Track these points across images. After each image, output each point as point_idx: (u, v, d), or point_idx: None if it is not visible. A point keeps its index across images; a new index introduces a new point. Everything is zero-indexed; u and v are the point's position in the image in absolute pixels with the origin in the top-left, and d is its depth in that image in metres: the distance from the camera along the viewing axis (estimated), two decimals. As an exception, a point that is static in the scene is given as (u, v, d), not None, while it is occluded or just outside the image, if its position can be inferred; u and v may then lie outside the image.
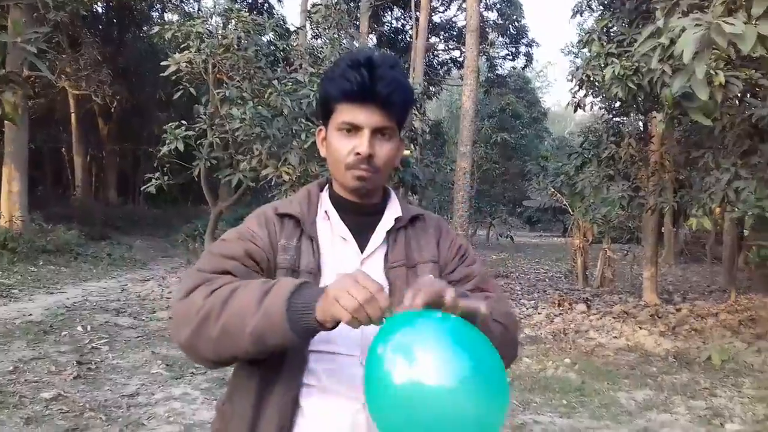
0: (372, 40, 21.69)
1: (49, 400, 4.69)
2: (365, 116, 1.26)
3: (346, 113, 1.27)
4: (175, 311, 1.19)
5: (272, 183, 7.31)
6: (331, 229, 1.35)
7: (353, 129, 1.28)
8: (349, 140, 1.28)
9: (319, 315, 1.05)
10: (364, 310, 1.01)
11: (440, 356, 0.94)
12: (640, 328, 8.00)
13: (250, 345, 1.11)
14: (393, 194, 1.45)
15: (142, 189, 8.53)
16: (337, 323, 1.06)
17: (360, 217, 1.36)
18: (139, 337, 6.96)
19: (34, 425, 4.22)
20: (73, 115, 20.47)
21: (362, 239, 1.34)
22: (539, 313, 9.07)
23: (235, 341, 1.12)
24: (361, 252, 1.33)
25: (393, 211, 1.40)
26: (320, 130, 1.39)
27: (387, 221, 1.37)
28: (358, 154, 1.27)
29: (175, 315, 1.19)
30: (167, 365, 5.80)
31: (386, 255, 1.34)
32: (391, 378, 0.94)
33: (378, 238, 1.35)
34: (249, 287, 1.13)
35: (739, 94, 6.94)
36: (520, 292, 11.59)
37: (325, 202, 1.39)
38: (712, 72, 4.91)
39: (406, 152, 6.91)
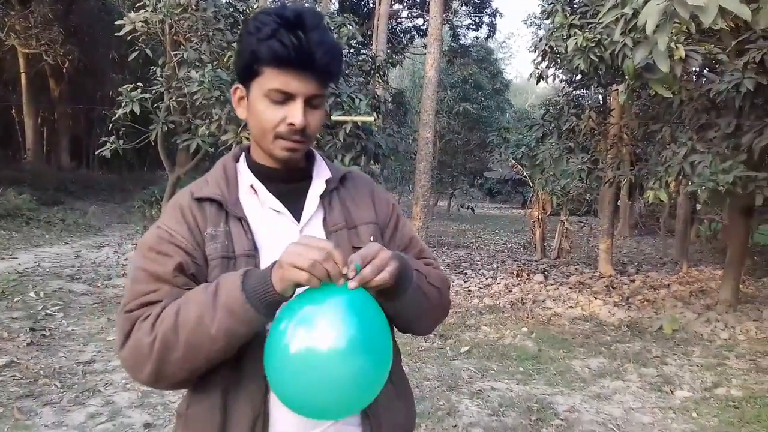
0: (334, 4, 21.32)
1: (1, 367, 4.59)
2: (299, 84, 1.16)
3: (278, 80, 1.15)
4: (123, 358, 1.15)
5: (232, 149, 7.16)
6: (260, 204, 1.26)
7: (284, 97, 1.17)
8: (279, 108, 1.18)
9: (278, 286, 1.04)
10: (322, 266, 1.00)
11: (332, 325, 1.01)
12: (596, 298, 8.19)
13: (222, 345, 1.09)
14: (318, 155, 1.36)
15: (96, 153, 8.28)
16: (295, 289, 1.06)
17: (288, 185, 1.28)
18: (94, 304, 6.84)
19: (-15, 392, 4.13)
20: (23, 75, 19.72)
21: (295, 208, 1.26)
22: (498, 284, 9.20)
23: (204, 350, 1.09)
24: (297, 222, 1.26)
25: (322, 173, 1.32)
26: (237, 88, 1.26)
27: (318, 185, 1.30)
28: (291, 124, 1.17)
29: (126, 361, 1.15)
30: (124, 332, 5.70)
31: (324, 220, 1.28)
32: (289, 349, 1.00)
33: (312, 204, 1.28)
34: (191, 300, 1.10)
35: (697, 69, 7.07)
36: (479, 263, 11.73)
37: (245, 174, 1.29)
38: (672, 45, 4.96)
39: (370, 119, 6.82)
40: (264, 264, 1.17)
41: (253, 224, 1.23)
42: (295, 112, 1.17)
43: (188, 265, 1.18)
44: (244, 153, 1.34)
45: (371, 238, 1.29)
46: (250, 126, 1.25)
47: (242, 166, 1.31)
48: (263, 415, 1.16)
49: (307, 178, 1.31)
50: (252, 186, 1.26)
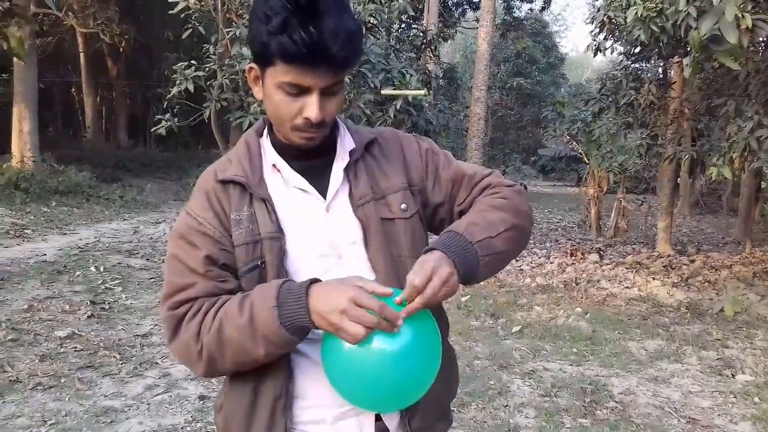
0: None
1: (63, 338, 4.75)
2: (314, 78, 1.08)
3: (290, 74, 1.08)
4: (173, 352, 1.22)
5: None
6: (284, 182, 1.22)
7: (299, 89, 1.10)
8: (294, 100, 1.11)
9: (318, 324, 1.07)
10: (364, 332, 1.03)
11: (385, 337, 1.07)
12: (653, 278, 7.96)
13: (265, 360, 1.14)
14: (341, 124, 1.29)
15: (152, 131, 8.44)
16: None
17: (312, 161, 1.23)
18: (151, 278, 7.01)
19: (48, 362, 4.29)
20: (81, 55, 20.25)
21: (320, 183, 1.22)
22: (551, 263, 9.04)
23: (250, 364, 1.16)
24: (324, 198, 1.21)
25: (346, 144, 1.26)
26: (251, 68, 1.18)
27: (342, 158, 1.24)
28: (307, 119, 1.12)
29: (177, 356, 1.22)
30: (179, 306, 5.84)
31: (350, 194, 1.23)
32: (342, 345, 1.07)
33: (337, 178, 1.23)
34: (230, 319, 1.11)
35: (765, 39, 6.71)
36: (532, 242, 11.54)
37: (268, 151, 1.24)
38: (738, 15, 4.71)
39: (421, 92, 6.71)
40: (290, 245, 1.18)
41: (278, 205, 1.20)
42: (310, 107, 1.11)
43: (217, 256, 1.17)
44: (267, 127, 1.29)
45: (402, 206, 1.26)
46: (266, 110, 1.20)
47: (266, 141, 1.27)
48: (284, 397, 1.19)
49: (331, 150, 1.26)
50: (274, 165, 1.23)
